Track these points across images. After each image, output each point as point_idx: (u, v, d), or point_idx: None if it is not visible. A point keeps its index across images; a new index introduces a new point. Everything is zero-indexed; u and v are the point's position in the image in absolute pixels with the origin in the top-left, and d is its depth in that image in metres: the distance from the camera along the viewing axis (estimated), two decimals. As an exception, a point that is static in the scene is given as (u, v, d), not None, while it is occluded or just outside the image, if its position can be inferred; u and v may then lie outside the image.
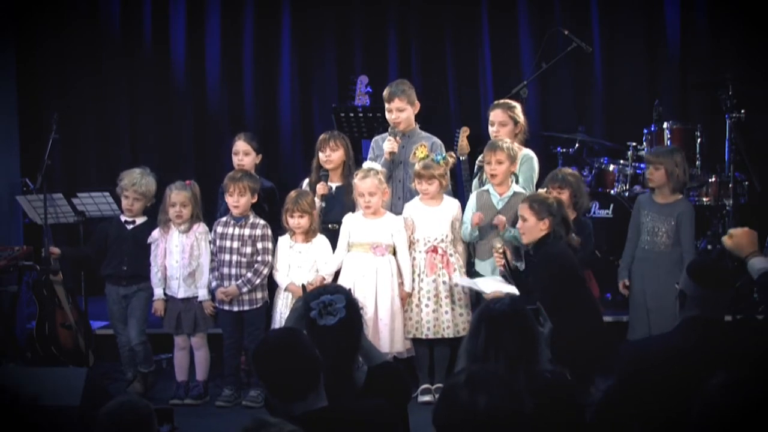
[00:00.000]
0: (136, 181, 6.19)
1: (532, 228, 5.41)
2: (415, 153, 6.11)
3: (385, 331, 5.86)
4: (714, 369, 2.86)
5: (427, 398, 5.90)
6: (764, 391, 2.68)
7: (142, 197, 6.21)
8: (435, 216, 6.04)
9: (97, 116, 8.60)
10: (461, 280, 5.90)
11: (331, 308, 3.46)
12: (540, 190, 5.85)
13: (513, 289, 5.45)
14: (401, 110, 6.26)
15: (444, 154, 6.09)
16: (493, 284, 5.68)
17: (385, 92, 6.32)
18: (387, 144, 6.23)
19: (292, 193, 6.08)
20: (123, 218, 6.30)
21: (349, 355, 3.52)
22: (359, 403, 3.24)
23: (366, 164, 6.10)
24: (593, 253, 6.12)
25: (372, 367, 3.55)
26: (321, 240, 6.04)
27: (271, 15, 8.59)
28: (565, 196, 5.85)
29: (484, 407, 2.53)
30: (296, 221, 5.95)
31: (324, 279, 5.90)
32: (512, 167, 5.95)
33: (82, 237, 6.53)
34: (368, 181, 5.91)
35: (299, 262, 5.98)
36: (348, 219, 6.05)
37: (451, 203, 6.12)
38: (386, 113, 6.33)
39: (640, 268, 5.97)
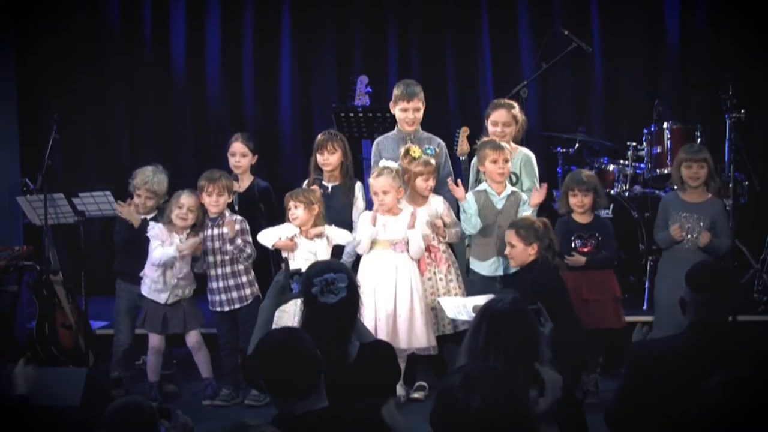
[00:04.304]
0: (148, 179, 6.19)
1: (520, 254, 5.50)
2: (408, 153, 6.06)
3: (404, 326, 5.85)
4: (714, 370, 2.86)
5: (416, 395, 5.92)
6: (761, 390, 2.69)
7: (153, 195, 6.20)
8: (425, 215, 6.03)
9: (97, 116, 8.60)
10: (446, 306, 5.73)
11: (333, 287, 3.51)
12: (572, 195, 5.91)
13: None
14: (418, 110, 6.27)
15: (433, 148, 6.11)
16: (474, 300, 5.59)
17: (403, 91, 6.23)
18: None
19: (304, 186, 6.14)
20: (139, 217, 6.26)
21: (344, 333, 3.58)
22: (360, 404, 3.24)
23: (382, 162, 6.05)
24: (616, 252, 6.11)
25: (364, 344, 3.61)
26: (328, 232, 6.01)
27: (271, 15, 8.59)
28: (590, 198, 5.91)
29: (481, 407, 2.53)
30: (292, 212, 5.95)
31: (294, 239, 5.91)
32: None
33: (82, 237, 6.52)
34: (381, 180, 5.90)
35: (304, 256, 5.92)
36: (365, 217, 6.03)
37: (436, 200, 6.12)
38: (399, 113, 6.26)
39: (671, 269, 5.89)
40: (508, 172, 5.95)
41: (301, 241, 5.98)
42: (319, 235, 5.96)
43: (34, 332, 6.57)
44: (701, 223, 5.93)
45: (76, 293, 6.62)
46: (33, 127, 8.04)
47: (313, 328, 3.44)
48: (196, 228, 6.06)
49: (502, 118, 6.21)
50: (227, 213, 6.10)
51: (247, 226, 6.09)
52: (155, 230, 6.05)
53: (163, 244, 6.00)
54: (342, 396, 3.15)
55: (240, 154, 6.45)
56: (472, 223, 5.90)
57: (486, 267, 5.95)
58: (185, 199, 6.03)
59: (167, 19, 8.56)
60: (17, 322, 6.84)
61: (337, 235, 6.01)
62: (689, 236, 5.95)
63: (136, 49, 8.61)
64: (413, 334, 5.87)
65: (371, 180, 5.97)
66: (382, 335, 5.75)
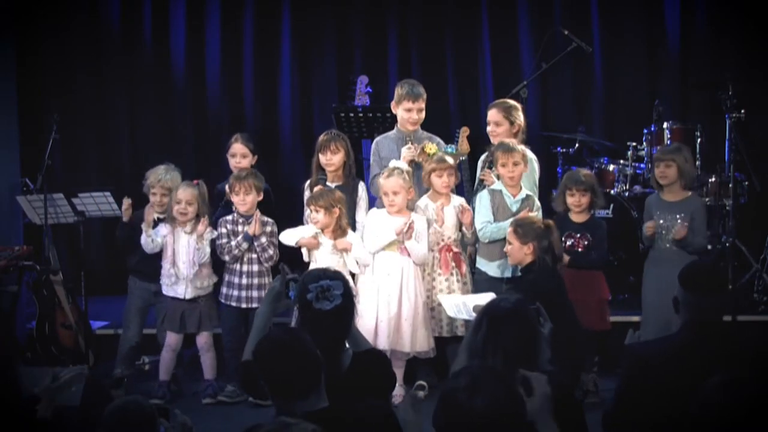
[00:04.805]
0: (162, 176, 6.21)
1: (516, 252, 5.49)
2: (423, 150, 6.07)
3: (408, 330, 5.85)
4: (714, 370, 2.86)
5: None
6: (760, 389, 2.69)
7: (168, 192, 6.21)
8: (446, 214, 6.02)
9: (97, 116, 8.60)
10: (447, 304, 5.67)
11: (329, 294, 3.50)
12: (569, 194, 5.92)
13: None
14: (422, 110, 6.27)
15: (454, 146, 6.11)
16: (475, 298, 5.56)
17: (408, 91, 6.22)
18: (407, 152, 6.18)
19: (317, 189, 6.11)
20: (156, 216, 6.27)
21: (338, 340, 3.58)
22: (360, 404, 3.24)
23: (393, 163, 6.05)
24: (606, 255, 6.10)
25: (357, 352, 3.59)
26: (351, 239, 5.99)
27: (271, 15, 8.59)
28: (587, 198, 5.91)
29: (483, 408, 2.53)
30: (313, 216, 5.95)
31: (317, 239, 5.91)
32: (525, 168, 5.96)
33: (82, 237, 6.53)
34: (392, 180, 5.88)
35: (326, 260, 5.90)
36: (373, 216, 6.02)
37: (458, 201, 6.11)
38: (403, 112, 6.25)
39: (655, 269, 5.96)
40: (519, 174, 5.92)
41: (324, 240, 5.97)
42: (345, 250, 5.93)
43: (34, 332, 6.58)
44: (679, 222, 5.94)
45: (76, 293, 6.62)
46: (33, 127, 8.04)
47: (308, 335, 3.44)
48: (198, 220, 6.07)
49: (493, 117, 6.23)
50: (259, 213, 6.12)
51: (276, 229, 6.11)
52: (161, 232, 6.11)
53: (168, 243, 6.09)
54: (335, 404, 3.14)
55: (240, 155, 6.46)
56: (498, 227, 5.86)
57: (493, 268, 5.94)
58: (181, 193, 6.06)
59: (167, 19, 8.56)
60: (17, 322, 6.85)
61: (360, 255, 5.95)
62: (666, 234, 5.96)
63: (136, 49, 8.61)
64: (416, 338, 5.87)
65: (381, 180, 5.95)
66: (383, 337, 5.75)
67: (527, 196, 5.96)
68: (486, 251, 5.98)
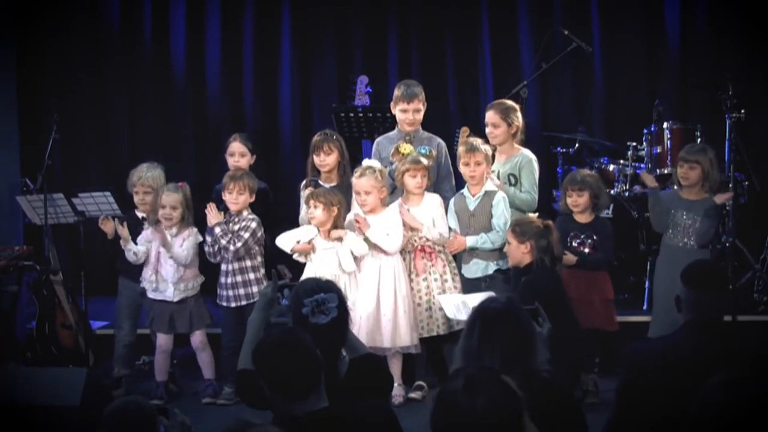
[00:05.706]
0: (143, 174, 6.25)
1: (514, 251, 5.49)
2: (398, 150, 6.05)
3: (388, 326, 5.83)
4: (714, 370, 2.86)
5: (414, 395, 5.92)
6: (761, 389, 2.69)
7: (150, 190, 6.23)
8: (418, 215, 5.99)
9: (97, 116, 8.61)
10: (446, 305, 5.69)
11: (324, 307, 3.50)
12: (567, 195, 5.94)
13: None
14: (418, 111, 6.24)
15: (428, 148, 6.08)
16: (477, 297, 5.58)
17: (403, 92, 6.20)
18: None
19: (319, 187, 6.12)
20: (139, 215, 6.31)
21: (335, 350, 3.58)
22: (360, 404, 3.24)
23: (365, 162, 6.05)
24: (612, 255, 6.09)
25: (353, 359, 3.59)
26: (347, 239, 5.96)
27: (271, 15, 8.59)
28: (584, 198, 5.90)
29: (481, 408, 2.53)
30: (310, 211, 5.93)
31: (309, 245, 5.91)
32: (488, 168, 5.94)
33: (82, 237, 6.53)
34: (363, 180, 5.88)
35: (321, 257, 5.93)
36: (352, 216, 6.02)
37: (432, 199, 6.07)
38: (399, 113, 6.24)
39: (668, 266, 5.92)
40: (480, 174, 5.90)
41: (319, 243, 5.96)
42: (339, 239, 5.91)
43: (34, 332, 6.58)
44: (691, 222, 5.95)
45: (76, 293, 6.62)
46: (33, 127, 8.04)
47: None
48: (183, 224, 6.07)
49: (491, 119, 6.21)
50: (245, 212, 6.10)
51: (252, 225, 6.04)
52: (142, 236, 6.13)
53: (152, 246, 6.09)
54: (354, 426, 3.13)
55: (239, 154, 6.46)
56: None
57: (467, 269, 5.98)
58: (165, 198, 6.05)
59: (167, 19, 8.57)
60: (17, 322, 6.85)
61: (354, 245, 5.92)
62: (680, 235, 5.96)
63: (136, 49, 8.62)
64: (397, 334, 5.86)
65: (354, 179, 5.95)
66: (363, 334, 5.73)
67: (485, 192, 5.92)
68: (461, 254, 6.02)
